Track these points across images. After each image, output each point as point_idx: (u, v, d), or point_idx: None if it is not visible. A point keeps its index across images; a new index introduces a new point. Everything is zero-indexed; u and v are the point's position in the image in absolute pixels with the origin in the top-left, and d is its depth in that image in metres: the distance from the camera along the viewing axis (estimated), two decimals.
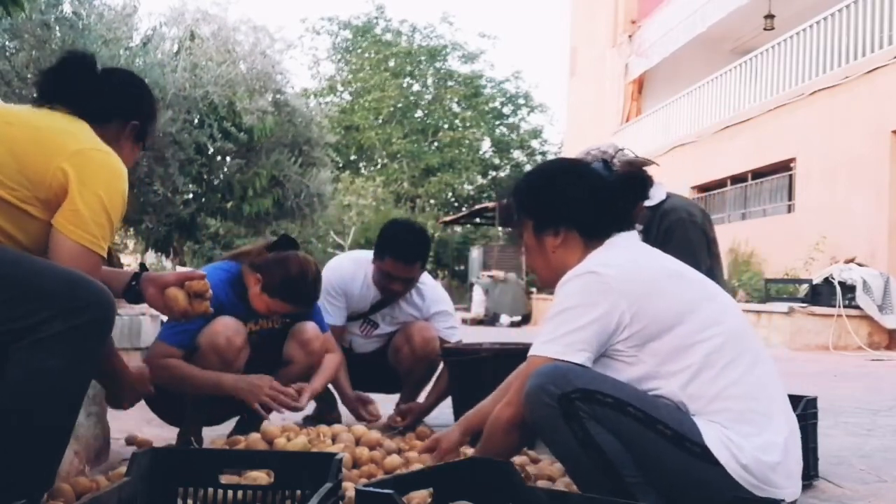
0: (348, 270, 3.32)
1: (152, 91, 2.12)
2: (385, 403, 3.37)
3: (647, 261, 1.78)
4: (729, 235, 12.42)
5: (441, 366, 3.28)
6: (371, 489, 1.42)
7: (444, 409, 3.34)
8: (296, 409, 2.66)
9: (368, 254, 3.35)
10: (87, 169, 1.71)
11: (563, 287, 1.74)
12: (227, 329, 2.58)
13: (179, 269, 9.11)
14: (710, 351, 1.64)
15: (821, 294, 8.65)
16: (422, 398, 3.38)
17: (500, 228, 21.46)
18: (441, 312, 3.40)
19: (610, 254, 1.77)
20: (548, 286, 1.90)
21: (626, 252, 1.78)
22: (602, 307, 1.66)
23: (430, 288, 3.42)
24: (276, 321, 2.83)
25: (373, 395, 3.41)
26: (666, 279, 1.72)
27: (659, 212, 2.88)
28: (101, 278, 1.72)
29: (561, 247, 1.84)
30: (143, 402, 2.76)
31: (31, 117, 1.77)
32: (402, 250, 3.14)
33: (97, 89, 1.90)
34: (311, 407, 3.29)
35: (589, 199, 1.83)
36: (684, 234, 2.82)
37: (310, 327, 2.82)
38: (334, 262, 3.47)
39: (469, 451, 2.14)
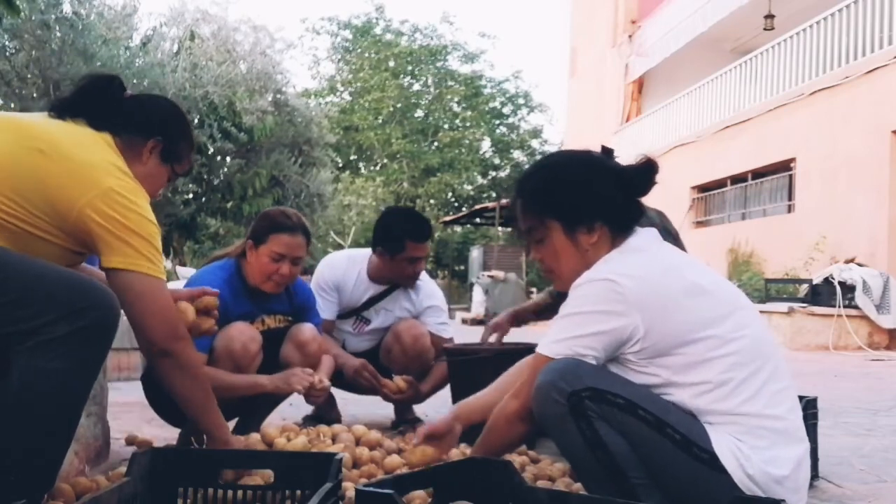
0: (341, 266, 3.35)
1: (185, 116, 2.08)
2: (381, 404, 3.36)
3: (666, 272, 1.69)
4: (729, 235, 12.43)
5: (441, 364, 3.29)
6: (371, 489, 1.42)
7: (444, 409, 3.32)
8: (319, 397, 2.72)
9: (362, 251, 3.40)
10: (117, 206, 1.71)
11: (579, 289, 1.69)
12: (242, 335, 2.60)
13: (179, 269, 9.11)
14: (724, 368, 1.60)
15: (821, 294, 8.64)
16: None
17: (500, 228, 21.46)
18: (433, 307, 3.41)
19: (631, 260, 1.70)
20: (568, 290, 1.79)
21: (645, 260, 1.71)
22: (617, 319, 1.62)
23: (424, 282, 3.44)
24: (281, 320, 2.85)
25: (367, 397, 3.40)
26: (684, 295, 1.65)
27: None
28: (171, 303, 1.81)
29: (595, 244, 1.76)
30: (144, 402, 2.77)
31: (63, 143, 1.74)
32: (417, 230, 3.21)
33: (121, 105, 1.91)
34: (310, 407, 3.29)
35: (616, 189, 1.76)
36: None
37: (307, 329, 2.83)
38: (328, 258, 3.49)
39: (468, 450, 2.14)
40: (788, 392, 1.67)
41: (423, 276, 3.45)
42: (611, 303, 1.63)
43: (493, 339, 3.11)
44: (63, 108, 1.88)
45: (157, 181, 1.97)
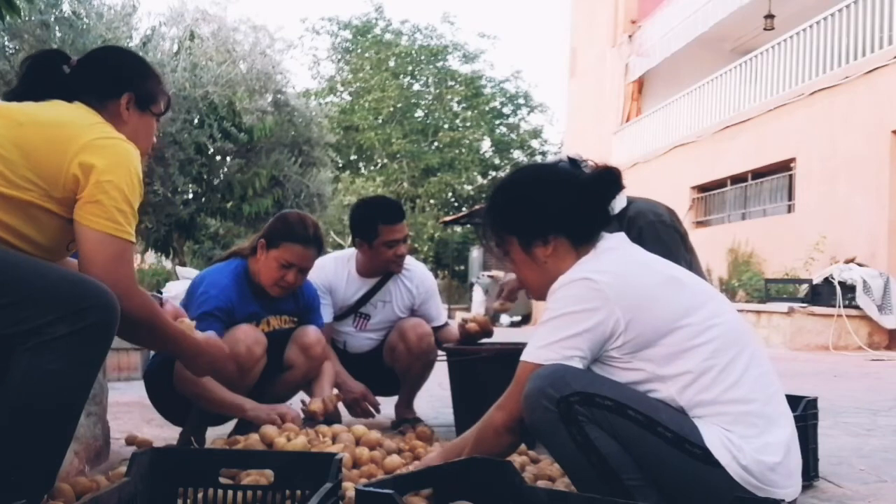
0: (330, 268, 3.36)
1: (135, 54, 2.06)
2: (383, 403, 3.37)
3: (640, 266, 1.74)
4: (729, 235, 12.43)
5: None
6: (371, 489, 1.42)
7: (444, 409, 3.34)
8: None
9: (347, 251, 3.45)
10: (99, 159, 1.69)
11: (557, 293, 1.71)
12: (247, 338, 2.60)
13: (179, 269, 9.11)
14: (706, 356, 1.62)
15: (821, 294, 8.65)
16: (423, 390, 3.43)
17: None
18: (431, 292, 3.47)
19: (603, 259, 1.74)
20: (542, 299, 1.83)
21: (619, 258, 1.75)
22: (597, 315, 1.64)
23: (413, 266, 3.47)
24: (286, 321, 2.84)
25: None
26: (660, 286, 1.69)
27: (625, 219, 2.76)
28: (132, 267, 1.74)
29: (552, 255, 1.80)
30: (144, 402, 2.78)
31: (40, 113, 1.75)
32: (387, 212, 3.26)
33: (75, 74, 1.89)
34: None
35: (570, 201, 1.79)
36: (657, 237, 2.74)
37: (311, 331, 2.84)
38: (315, 263, 3.50)
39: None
40: (769, 377, 1.70)
41: (411, 260, 3.47)
42: (590, 300, 1.66)
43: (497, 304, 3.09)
44: (19, 95, 1.86)
45: (146, 133, 1.96)
